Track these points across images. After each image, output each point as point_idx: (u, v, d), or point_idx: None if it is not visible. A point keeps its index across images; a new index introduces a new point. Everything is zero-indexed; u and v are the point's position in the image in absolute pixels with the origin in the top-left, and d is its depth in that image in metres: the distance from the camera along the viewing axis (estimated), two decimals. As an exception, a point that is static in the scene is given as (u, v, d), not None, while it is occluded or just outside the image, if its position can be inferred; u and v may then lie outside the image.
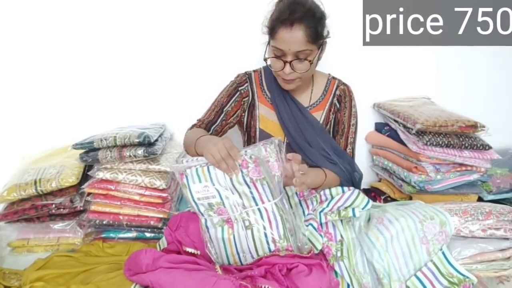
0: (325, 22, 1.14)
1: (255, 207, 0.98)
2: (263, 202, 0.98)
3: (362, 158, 1.74)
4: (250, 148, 0.98)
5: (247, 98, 1.34)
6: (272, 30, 1.12)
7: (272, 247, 0.98)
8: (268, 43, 1.18)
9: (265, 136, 1.31)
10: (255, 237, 0.99)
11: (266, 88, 1.34)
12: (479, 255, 1.03)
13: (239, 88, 1.32)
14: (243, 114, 1.36)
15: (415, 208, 1.09)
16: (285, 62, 1.13)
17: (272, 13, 1.15)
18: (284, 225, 1.00)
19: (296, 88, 1.26)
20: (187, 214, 1.18)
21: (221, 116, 1.30)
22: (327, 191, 1.25)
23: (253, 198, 0.98)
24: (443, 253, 1.01)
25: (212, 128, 1.29)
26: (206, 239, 1.03)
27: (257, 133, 1.33)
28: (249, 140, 1.37)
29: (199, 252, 1.08)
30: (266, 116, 1.33)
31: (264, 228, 0.98)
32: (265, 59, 1.19)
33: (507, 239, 1.06)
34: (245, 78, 1.34)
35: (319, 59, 1.21)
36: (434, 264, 1.00)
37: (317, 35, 1.11)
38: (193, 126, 1.29)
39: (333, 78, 1.36)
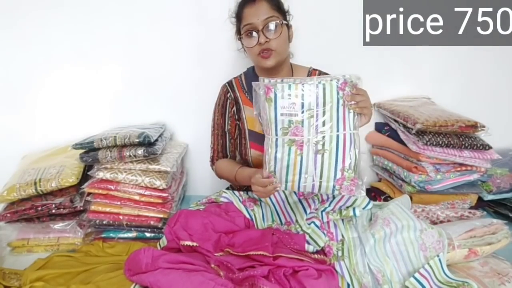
0: (282, 2, 1.26)
1: (334, 133, 1.00)
2: (344, 129, 1.00)
3: (362, 158, 1.74)
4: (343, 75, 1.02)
5: (234, 107, 1.38)
6: (239, 14, 1.25)
7: (339, 175, 0.98)
8: (239, 33, 1.27)
9: (254, 136, 1.34)
10: (324, 163, 0.99)
11: (248, 90, 1.37)
12: (470, 232, 1.14)
13: (226, 104, 1.38)
14: (237, 122, 1.39)
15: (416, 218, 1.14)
16: (258, 33, 1.20)
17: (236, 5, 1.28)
18: (356, 156, 1.00)
19: (276, 78, 1.29)
20: (186, 211, 1.19)
21: (227, 137, 1.40)
22: None
23: (337, 122, 1.00)
24: (439, 260, 1.04)
25: (228, 151, 1.40)
26: (268, 158, 1.01)
27: (247, 134, 1.35)
28: (240, 141, 1.38)
29: (196, 244, 1.09)
30: (252, 117, 1.35)
31: (337, 155, 0.99)
32: (239, 38, 1.27)
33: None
34: (226, 88, 1.39)
35: (289, 40, 1.28)
36: (431, 266, 1.02)
37: (279, 4, 1.24)
38: (212, 159, 1.41)
39: (314, 69, 1.39)
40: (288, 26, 1.27)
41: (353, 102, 1.01)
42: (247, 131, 1.35)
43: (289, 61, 1.35)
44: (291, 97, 0.99)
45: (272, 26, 1.19)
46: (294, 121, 0.99)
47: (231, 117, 1.38)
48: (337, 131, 1.00)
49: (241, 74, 1.42)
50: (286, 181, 1.02)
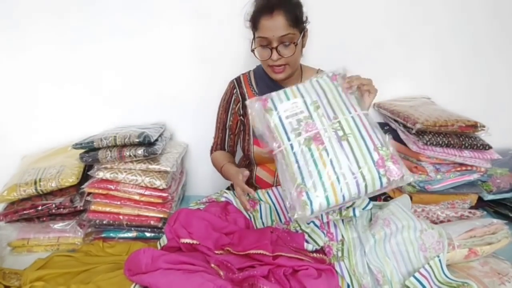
0: (302, 8, 1.20)
1: (348, 115, 0.91)
2: (355, 110, 0.93)
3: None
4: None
5: (239, 104, 1.38)
6: (255, 22, 1.19)
7: (376, 156, 0.85)
8: (254, 37, 1.23)
9: None
10: (354, 148, 0.86)
11: (256, 87, 1.37)
12: (470, 232, 1.13)
13: (230, 100, 1.39)
14: (242, 117, 1.39)
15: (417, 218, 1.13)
16: (271, 49, 1.18)
17: (252, 7, 1.22)
18: (382, 134, 0.90)
19: (286, 81, 1.30)
20: (185, 210, 1.19)
21: (227, 133, 1.43)
22: None
23: (345, 105, 0.92)
24: (439, 260, 1.04)
25: (226, 146, 1.44)
26: (290, 173, 0.86)
27: (251, 130, 1.35)
28: (244, 136, 1.39)
29: (196, 242, 1.08)
30: None
31: (362, 135, 0.88)
32: (252, 50, 1.23)
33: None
34: (233, 84, 1.40)
35: (303, 46, 1.26)
36: (431, 267, 1.03)
37: (296, 19, 1.17)
38: (212, 148, 1.47)
39: (322, 71, 1.37)
40: (304, 35, 1.24)
41: (352, 87, 0.97)
42: (251, 127, 1.35)
43: (299, 64, 1.34)
44: (289, 98, 0.95)
45: (287, 44, 1.17)
46: (302, 118, 0.91)
47: (234, 114, 1.40)
48: (349, 113, 0.92)
49: (250, 71, 1.42)
50: (325, 190, 0.83)
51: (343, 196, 0.84)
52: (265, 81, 1.35)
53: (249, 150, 1.36)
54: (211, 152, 1.47)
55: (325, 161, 0.84)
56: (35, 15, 1.52)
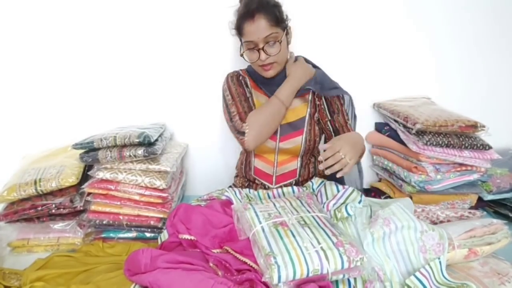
0: (281, 8, 1.27)
1: (308, 214, 1.11)
2: (314, 212, 1.13)
3: (362, 158, 1.74)
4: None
5: (248, 88, 1.41)
6: (239, 28, 1.25)
7: (334, 240, 0.98)
8: (241, 42, 1.29)
9: None
10: (314, 231, 1.02)
11: (254, 80, 1.42)
12: (470, 232, 1.14)
13: (240, 80, 1.41)
14: None
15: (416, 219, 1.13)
16: (258, 50, 1.24)
17: (235, 16, 1.28)
18: (341, 229, 1.07)
19: (277, 80, 1.34)
20: (185, 205, 1.19)
21: (250, 103, 1.38)
22: (322, 191, 1.26)
23: (306, 209, 1.14)
24: (440, 262, 1.04)
25: None
26: (260, 247, 0.99)
27: None
28: None
29: (193, 238, 1.09)
30: (261, 102, 1.39)
31: (321, 226, 1.05)
32: (241, 55, 1.30)
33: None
34: (237, 73, 1.43)
35: (288, 43, 1.32)
36: (431, 267, 1.03)
37: (277, 19, 1.23)
38: (240, 120, 1.29)
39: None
40: (287, 32, 1.29)
41: (326, 165, 1.08)
42: None
43: (286, 60, 1.36)
44: (263, 203, 1.19)
45: (272, 43, 1.24)
46: (272, 212, 1.12)
47: (248, 89, 1.41)
48: (309, 212, 1.12)
49: (244, 69, 1.46)
50: (293, 263, 0.91)
51: (307, 272, 0.92)
52: (259, 78, 1.38)
53: None
54: (243, 121, 1.29)
55: (289, 237, 1.00)
56: (35, 14, 1.52)
